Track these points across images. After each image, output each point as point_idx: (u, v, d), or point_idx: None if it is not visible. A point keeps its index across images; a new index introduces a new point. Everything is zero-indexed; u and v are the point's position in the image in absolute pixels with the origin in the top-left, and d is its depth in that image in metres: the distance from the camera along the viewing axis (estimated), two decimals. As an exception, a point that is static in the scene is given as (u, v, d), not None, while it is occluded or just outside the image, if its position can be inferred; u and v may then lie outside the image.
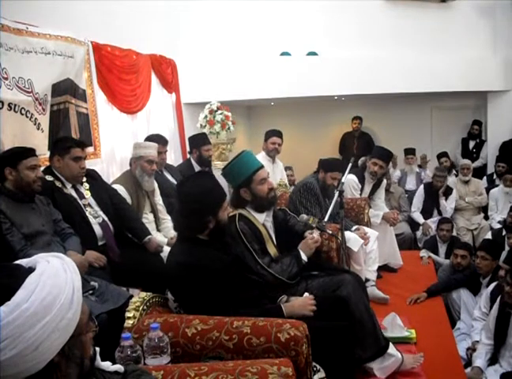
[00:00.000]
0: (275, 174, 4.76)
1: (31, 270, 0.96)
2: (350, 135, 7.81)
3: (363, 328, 2.38)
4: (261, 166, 2.54)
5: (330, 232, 2.83)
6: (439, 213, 5.59)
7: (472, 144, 7.19)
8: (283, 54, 6.53)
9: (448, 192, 5.63)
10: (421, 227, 5.57)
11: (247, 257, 2.39)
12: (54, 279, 0.96)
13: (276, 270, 2.41)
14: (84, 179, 2.99)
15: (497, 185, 5.94)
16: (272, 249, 2.52)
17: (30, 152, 2.55)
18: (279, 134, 4.79)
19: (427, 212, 5.65)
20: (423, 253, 4.71)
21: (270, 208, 2.59)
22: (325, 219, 3.09)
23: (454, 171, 6.57)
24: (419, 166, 6.75)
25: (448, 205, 5.59)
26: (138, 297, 2.03)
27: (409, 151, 6.53)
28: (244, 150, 2.60)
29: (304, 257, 2.50)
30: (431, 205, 5.64)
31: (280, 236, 2.65)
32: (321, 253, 2.95)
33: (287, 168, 5.96)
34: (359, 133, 7.75)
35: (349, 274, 2.52)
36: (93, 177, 3.10)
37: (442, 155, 6.52)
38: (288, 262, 2.45)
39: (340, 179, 3.49)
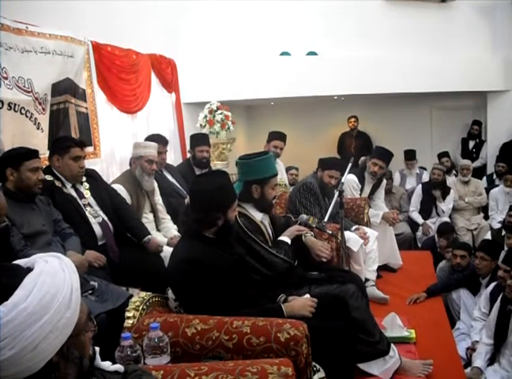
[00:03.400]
0: (277, 174, 4.76)
1: (29, 270, 0.96)
2: (348, 135, 7.81)
3: (364, 332, 2.39)
4: (277, 174, 2.68)
5: (330, 232, 2.84)
6: (438, 213, 5.59)
7: (471, 144, 7.19)
8: (283, 54, 6.53)
9: (446, 192, 5.63)
10: (421, 227, 5.58)
11: (256, 248, 2.44)
12: (53, 279, 0.96)
13: (283, 255, 2.53)
14: (84, 179, 2.99)
15: (497, 186, 5.94)
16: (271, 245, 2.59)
17: (33, 154, 2.55)
18: (282, 138, 4.77)
19: (425, 212, 5.65)
20: None
21: (268, 212, 2.69)
22: (325, 219, 3.10)
23: (454, 171, 6.56)
24: (420, 168, 6.71)
25: (445, 206, 5.59)
26: (138, 296, 2.03)
27: (409, 157, 6.42)
28: (268, 152, 2.79)
29: (288, 240, 2.62)
30: (429, 205, 5.64)
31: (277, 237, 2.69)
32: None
33: (292, 168, 5.97)
34: (356, 132, 7.75)
35: (352, 283, 2.52)
36: (93, 176, 3.10)
37: (443, 154, 6.51)
38: (283, 249, 2.56)
39: (339, 178, 3.50)
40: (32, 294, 0.91)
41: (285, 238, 2.63)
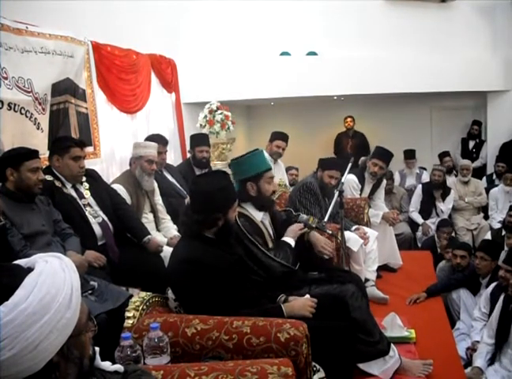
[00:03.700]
0: (276, 175, 4.76)
1: (30, 270, 0.96)
2: (344, 135, 7.84)
3: (364, 332, 2.39)
4: (271, 168, 2.65)
5: (330, 232, 2.84)
6: (437, 214, 5.60)
7: (471, 144, 7.19)
8: (283, 54, 6.53)
9: (446, 192, 5.63)
10: (421, 227, 5.58)
11: (254, 251, 2.43)
12: (53, 279, 0.95)
13: (282, 258, 2.48)
14: (84, 179, 2.99)
15: (496, 185, 5.94)
16: (271, 246, 2.57)
17: (33, 154, 2.55)
18: (285, 138, 4.80)
19: (425, 212, 5.66)
20: None
21: (269, 209, 2.66)
22: (325, 219, 3.10)
23: (454, 171, 6.56)
24: (420, 168, 6.71)
25: (445, 206, 5.59)
26: (138, 296, 2.03)
27: (409, 156, 6.45)
28: (258, 148, 2.72)
29: (292, 242, 2.58)
30: (429, 206, 5.65)
31: (279, 236, 2.68)
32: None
33: (292, 168, 5.97)
34: (352, 132, 7.77)
35: (351, 283, 2.52)
36: (93, 176, 3.10)
37: (445, 154, 6.52)
38: (285, 251, 2.52)
39: (339, 178, 3.50)
40: (33, 295, 0.91)
41: (289, 239, 2.60)
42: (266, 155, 2.81)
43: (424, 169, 6.68)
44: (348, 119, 7.71)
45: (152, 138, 3.96)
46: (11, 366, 0.88)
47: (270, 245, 2.58)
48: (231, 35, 6.26)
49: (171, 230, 3.57)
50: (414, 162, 6.48)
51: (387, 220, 4.15)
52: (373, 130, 7.88)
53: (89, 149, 3.90)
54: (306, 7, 6.31)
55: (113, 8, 4.44)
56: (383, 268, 4.14)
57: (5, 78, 3.00)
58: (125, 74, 4.52)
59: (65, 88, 3.66)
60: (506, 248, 3.91)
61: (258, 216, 2.57)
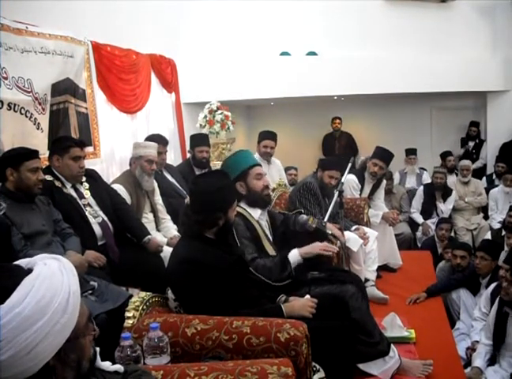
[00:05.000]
0: (272, 175, 4.75)
1: (29, 271, 0.96)
2: (330, 136, 7.87)
3: (364, 332, 2.38)
4: (259, 164, 2.65)
5: (330, 232, 2.84)
6: (438, 214, 5.60)
7: (471, 144, 7.19)
8: (283, 54, 6.53)
9: (447, 193, 5.64)
10: (420, 227, 5.58)
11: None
12: (50, 282, 0.95)
13: (260, 269, 2.39)
14: (84, 179, 2.99)
15: (496, 186, 5.94)
16: (268, 247, 2.54)
17: (33, 154, 2.55)
18: (272, 137, 4.75)
19: (426, 213, 5.66)
20: None
21: (265, 205, 2.66)
22: (325, 219, 3.09)
23: (456, 171, 6.56)
24: (420, 169, 6.72)
25: (446, 206, 5.59)
26: (138, 296, 2.03)
27: (411, 152, 6.49)
28: (242, 149, 2.75)
29: (295, 258, 2.47)
30: (430, 207, 5.65)
31: (279, 237, 2.68)
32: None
33: (291, 168, 5.96)
34: (338, 133, 7.78)
35: (352, 284, 2.52)
36: (93, 177, 3.10)
37: (447, 154, 6.53)
38: (273, 263, 2.43)
39: (339, 179, 3.50)
40: (28, 298, 0.90)
41: (296, 254, 2.51)
42: (253, 153, 2.80)
43: (425, 169, 6.69)
44: (337, 121, 7.72)
45: (152, 138, 3.96)
46: (6, 369, 0.88)
47: (267, 247, 2.54)
48: (230, 36, 6.26)
49: (171, 230, 3.57)
50: (415, 158, 6.48)
51: (387, 220, 4.15)
52: (373, 130, 7.89)
53: (89, 149, 3.90)
54: (306, 7, 6.32)
55: (113, 8, 4.44)
56: (383, 268, 4.14)
57: (5, 78, 3.00)
58: (125, 74, 4.53)
59: (65, 88, 3.66)
60: (506, 248, 3.91)
61: (255, 214, 2.57)
